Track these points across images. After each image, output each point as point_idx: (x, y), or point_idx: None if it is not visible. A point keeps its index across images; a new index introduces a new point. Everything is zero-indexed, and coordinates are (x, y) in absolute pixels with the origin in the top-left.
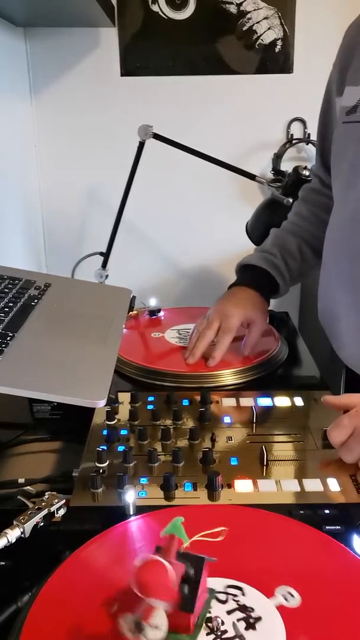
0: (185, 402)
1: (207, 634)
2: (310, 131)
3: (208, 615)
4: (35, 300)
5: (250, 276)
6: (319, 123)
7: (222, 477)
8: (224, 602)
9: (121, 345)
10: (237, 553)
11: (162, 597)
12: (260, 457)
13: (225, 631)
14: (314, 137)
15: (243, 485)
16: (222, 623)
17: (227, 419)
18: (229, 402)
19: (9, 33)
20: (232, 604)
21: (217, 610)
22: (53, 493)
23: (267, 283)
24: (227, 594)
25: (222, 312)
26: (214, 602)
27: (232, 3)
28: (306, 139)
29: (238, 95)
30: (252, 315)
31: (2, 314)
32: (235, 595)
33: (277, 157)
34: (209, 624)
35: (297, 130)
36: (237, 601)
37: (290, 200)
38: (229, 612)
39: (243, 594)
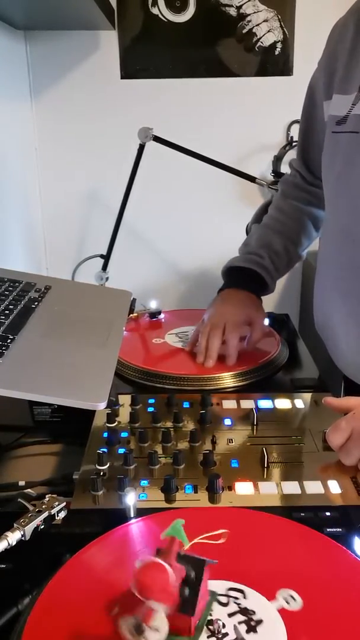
0: (186, 405)
1: (208, 637)
2: None
3: (209, 617)
4: (36, 303)
5: (241, 278)
6: (301, 119)
7: (222, 480)
8: (225, 604)
9: (121, 347)
10: (238, 556)
11: (161, 600)
12: (261, 459)
13: (226, 634)
14: None
15: (244, 488)
16: (224, 626)
17: (227, 421)
18: (229, 404)
19: (10, 36)
20: (233, 607)
21: (218, 612)
22: (53, 496)
23: (257, 284)
24: (228, 596)
25: (225, 313)
26: (215, 605)
27: (231, 6)
28: None
29: (238, 98)
30: (252, 314)
31: (3, 317)
32: (236, 598)
33: (277, 160)
34: (210, 627)
35: (296, 133)
36: (238, 604)
37: None
38: (230, 615)
39: (244, 597)
